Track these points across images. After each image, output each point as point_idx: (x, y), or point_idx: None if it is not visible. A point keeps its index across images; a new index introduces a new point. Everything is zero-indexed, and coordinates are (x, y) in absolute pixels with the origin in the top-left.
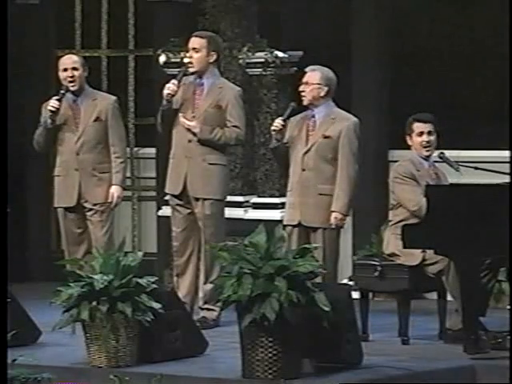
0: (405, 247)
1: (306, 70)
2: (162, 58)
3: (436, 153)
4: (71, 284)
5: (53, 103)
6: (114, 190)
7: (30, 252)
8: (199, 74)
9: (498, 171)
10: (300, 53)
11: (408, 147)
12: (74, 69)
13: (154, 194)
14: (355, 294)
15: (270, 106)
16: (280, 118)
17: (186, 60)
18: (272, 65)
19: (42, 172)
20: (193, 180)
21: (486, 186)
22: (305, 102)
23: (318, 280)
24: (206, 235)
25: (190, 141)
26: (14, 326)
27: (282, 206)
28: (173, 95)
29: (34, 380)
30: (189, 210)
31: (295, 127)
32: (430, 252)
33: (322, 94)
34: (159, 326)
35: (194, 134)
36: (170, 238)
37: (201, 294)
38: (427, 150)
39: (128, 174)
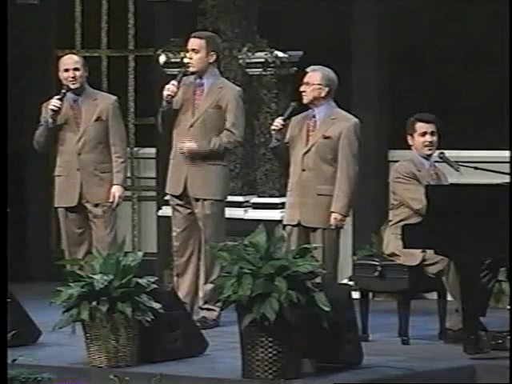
0: (405, 247)
1: (307, 70)
2: (162, 58)
3: (436, 153)
4: (71, 284)
5: (54, 103)
6: (116, 190)
7: (30, 252)
8: (199, 75)
9: (498, 171)
10: (300, 53)
11: (408, 147)
12: (76, 69)
13: (153, 194)
14: (355, 294)
15: (270, 106)
16: (280, 117)
17: (185, 60)
18: (272, 65)
19: (42, 172)
20: (193, 180)
21: (486, 186)
22: (305, 102)
23: (318, 280)
24: (206, 235)
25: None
26: (14, 326)
27: (282, 206)
28: (172, 96)
29: (33, 380)
30: (189, 210)
31: (296, 127)
32: (430, 252)
33: (323, 94)
34: (159, 326)
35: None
36: (170, 238)
37: (201, 294)
38: (429, 150)
39: (128, 174)
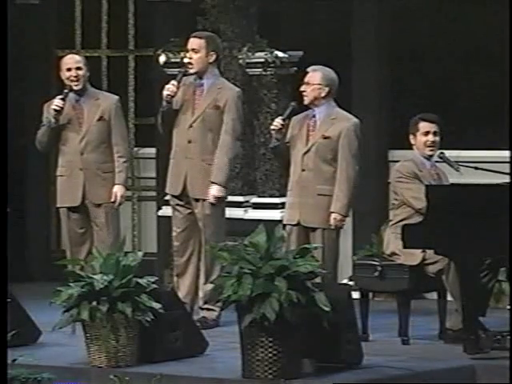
0: (405, 247)
1: (308, 69)
2: (162, 58)
3: (436, 153)
4: (71, 284)
5: (57, 102)
6: (118, 190)
7: (30, 252)
8: (199, 75)
9: (498, 171)
10: (300, 53)
11: (408, 147)
12: (78, 68)
13: (154, 194)
14: (355, 294)
15: (270, 106)
16: (280, 117)
17: (185, 60)
18: (272, 65)
19: (42, 172)
20: (192, 181)
21: (486, 186)
22: (306, 102)
23: (318, 280)
24: (206, 235)
25: (189, 141)
26: (14, 326)
27: (282, 206)
28: (172, 96)
29: (33, 380)
30: (189, 210)
31: (296, 127)
32: (430, 252)
33: (323, 94)
34: (159, 326)
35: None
36: (170, 238)
37: (201, 294)
38: (431, 150)
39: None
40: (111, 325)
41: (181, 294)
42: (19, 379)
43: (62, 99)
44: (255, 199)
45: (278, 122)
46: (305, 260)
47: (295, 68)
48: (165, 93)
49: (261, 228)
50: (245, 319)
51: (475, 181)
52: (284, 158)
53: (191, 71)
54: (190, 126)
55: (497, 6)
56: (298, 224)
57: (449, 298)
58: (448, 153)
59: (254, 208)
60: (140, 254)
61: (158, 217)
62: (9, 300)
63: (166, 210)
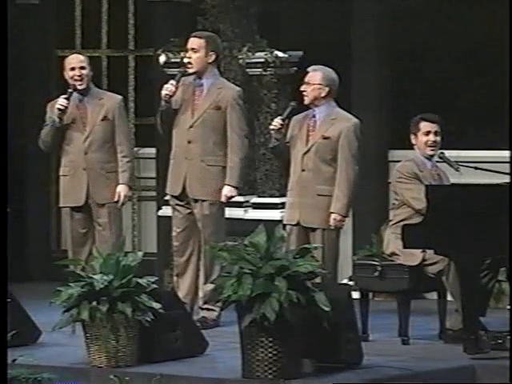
0: (405, 247)
1: (308, 69)
2: (162, 58)
3: (437, 153)
4: (71, 284)
5: (61, 102)
6: (121, 189)
7: (30, 252)
8: (198, 75)
9: (498, 171)
10: (300, 53)
11: (408, 147)
12: (82, 68)
13: (154, 194)
14: (355, 294)
15: (270, 106)
16: (279, 117)
17: (185, 60)
18: (272, 65)
19: (42, 172)
20: (192, 181)
21: (486, 186)
22: (306, 102)
23: (318, 280)
24: (206, 235)
25: (189, 142)
26: (13, 326)
27: (282, 206)
28: (171, 96)
29: (34, 380)
30: (189, 210)
31: (296, 126)
32: (430, 252)
33: (323, 94)
34: (159, 326)
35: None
36: (170, 237)
37: (201, 294)
38: (432, 150)
39: None
40: (111, 325)
41: (181, 293)
42: (19, 379)
43: (67, 99)
44: (255, 199)
45: (277, 121)
46: (305, 260)
47: (295, 68)
48: (163, 92)
49: (261, 228)
50: (245, 319)
51: (475, 181)
52: (284, 157)
53: (190, 71)
54: (191, 127)
55: (497, 7)
56: (298, 224)
57: (449, 298)
58: (448, 153)
59: (254, 208)
60: (140, 254)
61: (158, 217)
62: (9, 300)
63: (166, 210)
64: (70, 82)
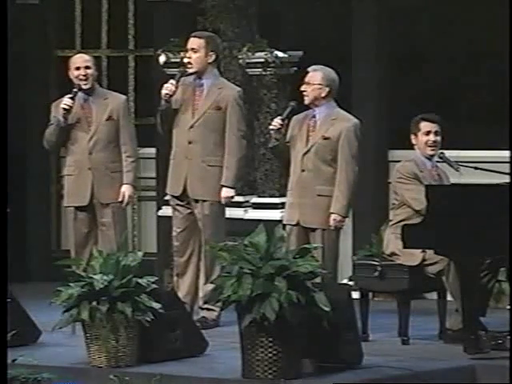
0: (405, 247)
1: (309, 69)
2: (162, 58)
3: (437, 152)
4: (71, 284)
5: (66, 101)
6: (126, 189)
7: (30, 252)
8: (198, 75)
9: (498, 171)
10: (300, 53)
11: (408, 147)
12: (87, 67)
13: (154, 194)
14: (355, 294)
15: (270, 106)
16: (279, 117)
17: (185, 60)
18: (272, 65)
19: (42, 172)
20: (192, 182)
21: (486, 186)
22: (306, 102)
23: (318, 280)
24: (206, 235)
25: (189, 142)
26: (13, 326)
27: (282, 206)
28: (171, 95)
29: (33, 380)
30: (189, 211)
31: (296, 126)
32: (430, 252)
33: (323, 94)
34: (159, 326)
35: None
36: (170, 237)
37: (201, 294)
38: (432, 149)
39: None
40: (111, 325)
41: (181, 293)
42: (19, 379)
43: (72, 98)
44: (255, 199)
45: (276, 121)
46: (305, 260)
47: (295, 68)
48: (163, 92)
49: (261, 228)
50: (245, 319)
51: (475, 181)
52: (284, 157)
53: (190, 71)
54: (191, 127)
55: (497, 7)
56: (298, 224)
57: (449, 298)
58: (448, 153)
59: (254, 208)
60: (140, 254)
61: (158, 217)
62: (9, 300)
63: (166, 210)
64: (75, 81)
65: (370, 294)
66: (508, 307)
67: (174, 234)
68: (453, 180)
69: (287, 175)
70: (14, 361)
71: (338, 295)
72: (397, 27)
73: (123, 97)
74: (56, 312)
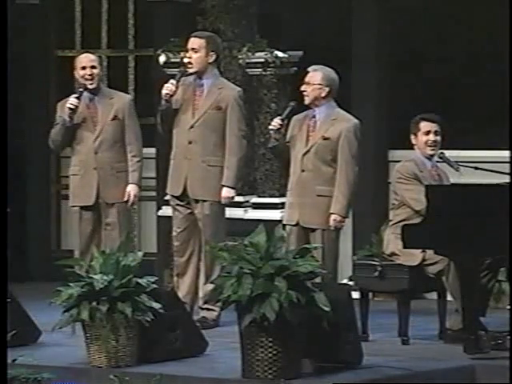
0: (405, 247)
1: (309, 69)
2: (162, 58)
3: (437, 152)
4: (71, 284)
5: (72, 101)
6: (131, 189)
7: (30, 252)
8: (199, 75)
9: (498, 171)
10: (300, 53)
11: (408, 147)
12: (93, 67)
13: (154, 194)
14: (355, 294)
15: (270, 106)
16: (278, 117)
17: (185, 60)
18: (272, 65)
19: (42, 172)
20: (193, 182)
21: (486, 186)
22: (306, 102)
23: (318, 280)
24: (206, 235)
25: (190, 142)
26: (13, 326)
27: (281, 206)
28: (171, 95)
29: (33, 380)
30: (189, 210)
31: (296, 126)
32: (430, 252)
33: (323, 94)
34: (159, 326)
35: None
36: (170, 238)
37: (201, 294)
38: (432, 149)
39: None
40: (111, 325)
41: (181, 293)
42: (19, 379)
43: (77, 98)
44: (255, 199)
45: (276, 121)
46: (305, 260)
47: (295, 68)
48: (164, 92)
49: (261, 228)
50: (245, 319)
51: (475, 181)
52: (284, 157)
53: (191, 71)
54: (191, 127)
55: (497, 7)
56: (298, 224)
57: (449, 298)
58: (448, 153)
59: (254, 208)
60: (140, 254)
61: (158, 217)
62: (9, 300)
63: (166, 210)
64: (81, 81)
65: (370, 294)
66: (508, 307)
67: (174, 234)
68: (453, 180)
69: (287, 175)
70: (14, 361)
71: (338, 295)
72: (397, 27)
73: (129, 96)
74: (56, 312)
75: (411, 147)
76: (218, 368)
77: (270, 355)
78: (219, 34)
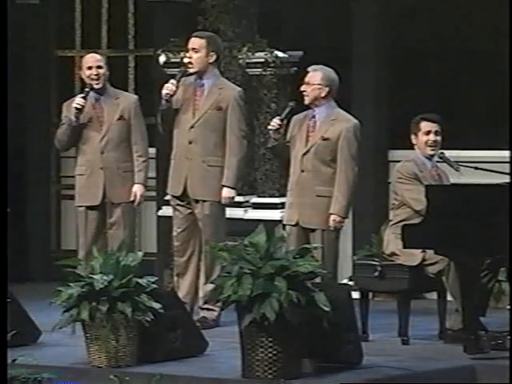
0: (405, 247)
1: (308, 69)
2: (162, 58)
3: (437, 152)
4: (71, 284)
5: (78, 101)
6: (137, 189)
7: (30, 252)
8: (199, 75)
9: (498, 171)
10: (300, 53)
11: (408, 147)
12: (99, 67)
13: (154, 194)
14: (355, 294)
15: (270, 106)
16: (278, 117)
17: (185, 60)
18: (272, 65)
19: (42, 172)
20: (193, 182)
21: (486, 186)
22: (306, 102)
23: (318, 280)
24: (206, 235)
25: (190, 142)
26: (13, 326)
27: (281, 206)
28: (171, 95)
29: (33, 380)
30: (189, 210)
31: (296, 126)
32: (430, 252)
33: (323, 94)
34: (159, 326)
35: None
36: (170, 238)
37: (201, 294)
38: (432, 149)
39: None
40: (111, 325)
41: (181, 293)
42: (19, 379)
43: (83, 98)
44: (255, 199)
45: (275, 121)
46: (305, 260)
47: (295, 68)
48: (164, 91)
49: (261, 228)
50: (245, 319)
51: (475, 181)
52: (283, 157)
53: (191, 71)
54: (192, 127)
55: (497, 7)
56: (297, 224)
57: (449, 298)
58: (448, 153)
59: (254, 208)
60: (140, 254)
61: (158, 217)
62: (9, 300)
63: (166, 210)
64: (87, 81)
65: (370, 294)
66: (508, 307)
67: (175, 234)
68: (453, 180)
69: (287, 175)
70: (14, 361)
71: (338, 295)
72: (397, 27)
73: (134, 96)
74: (56, 312)
75: (411, 147)
76: (218, 368)
77: (269, 355)
78: (219, 34)
